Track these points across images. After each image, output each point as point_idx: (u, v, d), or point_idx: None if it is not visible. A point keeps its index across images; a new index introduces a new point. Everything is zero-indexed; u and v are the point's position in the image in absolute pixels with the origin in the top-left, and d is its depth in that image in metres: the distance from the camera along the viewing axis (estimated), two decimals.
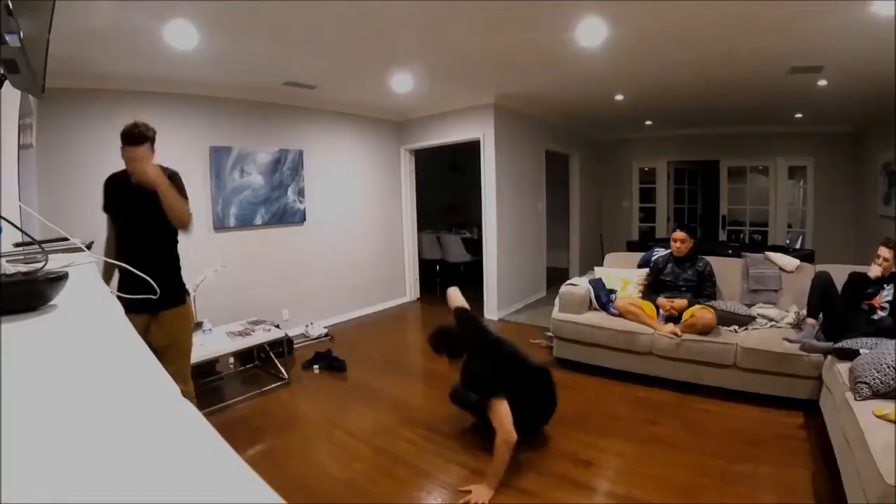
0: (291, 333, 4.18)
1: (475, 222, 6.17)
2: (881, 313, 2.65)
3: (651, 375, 3.20)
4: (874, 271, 2.72)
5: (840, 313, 2.77)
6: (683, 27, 2.83)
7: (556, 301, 3.66)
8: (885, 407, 1.84)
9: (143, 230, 2.09)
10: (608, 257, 4.21)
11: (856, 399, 1.99)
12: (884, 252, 2.68)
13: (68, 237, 1.32)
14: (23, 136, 2.37)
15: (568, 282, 3.79)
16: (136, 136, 1.98)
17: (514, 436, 2.09)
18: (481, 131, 4.91)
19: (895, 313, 2.58)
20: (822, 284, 2.89)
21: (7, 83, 0.96)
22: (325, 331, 4.55)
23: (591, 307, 3.57)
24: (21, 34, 0.79)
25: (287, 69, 3.65)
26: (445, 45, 3.18)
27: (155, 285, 1.26)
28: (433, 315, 5.52)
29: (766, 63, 3.53)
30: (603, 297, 3.56)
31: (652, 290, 3.53)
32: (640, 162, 7.77)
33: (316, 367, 3.68)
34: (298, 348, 4.16)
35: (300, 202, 4.63)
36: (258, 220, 4.33)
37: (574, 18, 2.71)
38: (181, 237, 2.22)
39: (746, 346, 2.87)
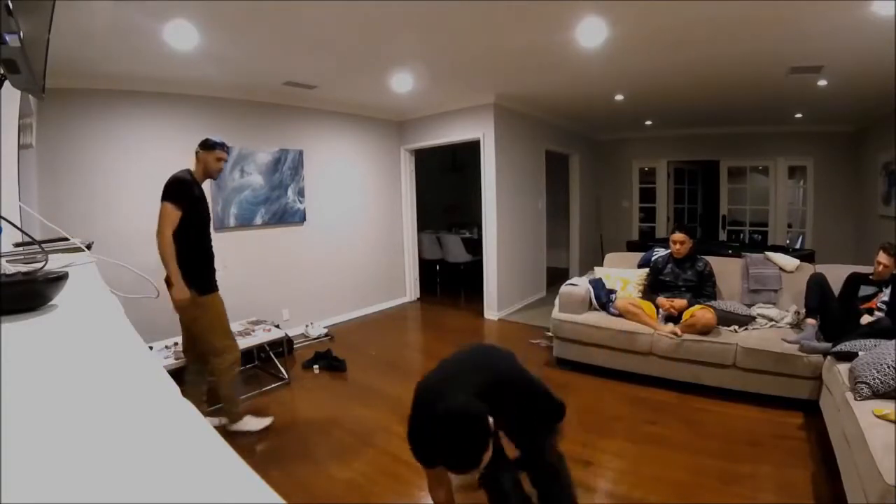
0: (291, 333, 4.18)
1: (475, 222, 6.18)
2: (878, 314, 2.66)
3: (651, 375, 3.20)
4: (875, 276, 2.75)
5: (836, 314, 2.78)
6: (683, 27, 2.83)
7: (556, 301, 3.66)
8: (885, 407, 1.84)
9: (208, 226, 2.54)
10: (608, 257, 4.20)
11: (856, 399, 1.99)
12: (883, 259, 2.69)
13: (68, 237, 1.32)
14: (23, 136, 2.37)
15: (568, 282, 3.78)
16: None
17: None
18: (481, 131, 4.91)
19: (893, 314, 2.58)
20: (816, 286, 2.90)
21: (7, 83, 0.96)
22: (325, 331, 4.55)
23: (590, 307, 3.57)
24: (21, 34, 0.79)
25: (287, 69, 3.64)
26: (445, 45, 3.18)
27: (155, 284, 1.28)
28: (433, 315, 5.53)
29: (766, 63, 3.53)
30: (603, 297, 3.56)
31: (652, 290, 3.53)
32: (640, 162, 7.77)
33: (316, 367, 3.68)
34: (298, 348, 4.16)
35: (300, 202, 4.63)
36: (258, 220, 4.32)
37: (574, 18, 2.71)
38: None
39: (746, 346, 2.88)
